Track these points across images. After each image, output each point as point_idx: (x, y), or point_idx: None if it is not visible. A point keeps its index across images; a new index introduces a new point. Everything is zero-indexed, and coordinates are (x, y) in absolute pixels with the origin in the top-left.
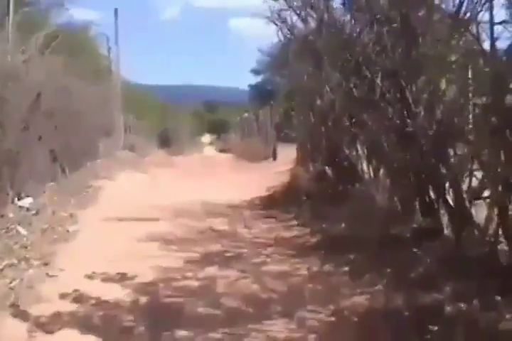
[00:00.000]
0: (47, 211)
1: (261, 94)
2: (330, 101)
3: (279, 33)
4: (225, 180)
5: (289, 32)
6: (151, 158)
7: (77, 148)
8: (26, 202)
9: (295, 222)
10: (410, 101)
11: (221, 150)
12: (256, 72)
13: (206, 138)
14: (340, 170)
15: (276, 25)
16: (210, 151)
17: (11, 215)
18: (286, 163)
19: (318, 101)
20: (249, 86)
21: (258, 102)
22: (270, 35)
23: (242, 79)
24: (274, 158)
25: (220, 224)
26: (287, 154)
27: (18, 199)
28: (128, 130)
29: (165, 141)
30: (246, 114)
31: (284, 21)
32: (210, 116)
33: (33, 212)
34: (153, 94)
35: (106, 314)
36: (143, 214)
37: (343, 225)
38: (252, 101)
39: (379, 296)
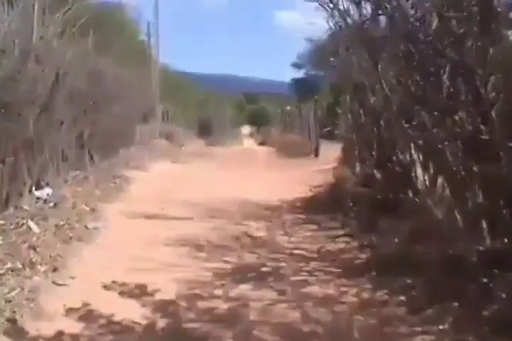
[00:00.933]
0: (67, 204)
1: (304, 88)
2: (385, 99)
3: (329, 20)
4: (264, 176)
5: (340, 19)
6: (188, 147)
7: (109, 134)
8: (45, 192)
9: (340, 232)
10: (486, 104)
11: (261, 143)
12: (297, 65)
13: (246, 129)
14: (391, 175)
15: (327, 10)
16: (249, 144)
17: (25, 207)
18: (328, 162)
19: (371, 98)
20: (293, 79)
21: (301, 96)
22: (315, 29)
23: (284, 72)
24: (316, 155)
25: (258, 229)
26: (329, 152)
27: (36, 189)
28: (166, 118)
29: (204, 131)
30: (288, 108)
31: (335, 6)
32: (251, 108)
33: (51, 204)
34: (194, 82)
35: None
36: (174, 212)
37: (396, 241)
38: (294, 94)
39: (446, 339)
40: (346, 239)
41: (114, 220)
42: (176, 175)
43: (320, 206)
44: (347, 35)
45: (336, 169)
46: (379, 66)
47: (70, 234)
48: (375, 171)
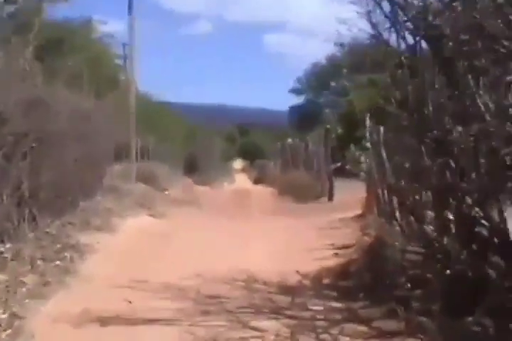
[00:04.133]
0: None
1: (304, 117)
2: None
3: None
4: (269, 232)
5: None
6: (173, 191)
7: (62, 184)
8: None
9: None
10: None
11: (256, 181)
12: (297, 91)
13: (238, 163)
14: (473, 239)
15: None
16: (243, 181)
17: None
18: (347, 207)
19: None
20: (291, 107)
21: (300, 126)
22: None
23: (280, 100)
24: (330, 198)
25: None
26: (344, 193)
27: None
28: (147, 155)
29: (192, 167)
30: (290, 140)
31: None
32: (243, 140)
33: None
34: (181, 114)
35: None
36: (147, 307)
37: None
38: (293, 124)
39: None
40: None
41: (46, 334)
42: (153, 239)
43: (358, 285)
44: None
45: (364, 220)
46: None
47: None
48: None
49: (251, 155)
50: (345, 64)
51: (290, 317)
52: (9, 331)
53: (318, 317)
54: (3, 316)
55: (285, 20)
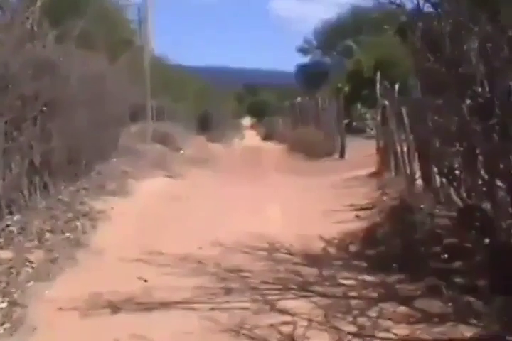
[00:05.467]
0: None
1: (311, 76)
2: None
3: None
4: (286, 193)
5: None
6: (187, 149)
7: (75, 147)
8: None
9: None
10: None
11: (265, 137)
12: (304, 50)
13: (247, 120)
14: None
15: None
16: (252, 138)
17: None
18: (359, 164)
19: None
20: (298, 66)
21: (308, 85)
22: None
23: (287, 61)
24: (342, 156)
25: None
26: (354, 150)
27: None
28: (162, 115)
29: (204, 125)
30: (299, 98)
31: None
32: (251, 99)
33: None
34: (192, 76)
35: None
36: (165, 283)
37: None
38: (300, 83)
39: None
40: None
41: (50, 327)
42: (168, 202)
43: (388, 254)
44: None
45: (379, 178)
46: None
47: None
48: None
49: (259, 113)
50: (350, 25)
51: (320, 294)
52: (7, 324)
53: (351, 294)
54: (2, 305)
55: None
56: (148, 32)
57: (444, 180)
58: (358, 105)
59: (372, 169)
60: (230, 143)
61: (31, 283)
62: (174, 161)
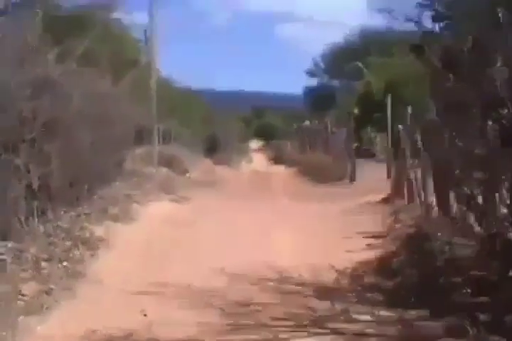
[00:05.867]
0: None
1: (319, 99)
2: None
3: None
4: (295, 219)
5: None
6: (194, 172)
7: (77, 170)
8: None
9: None
10: None
11: (273, 161)
12: (311, 73)
13: (254, 143)
14: None
15: None
16: (260, 161)
17: None
18: (370, 189)
19: None
20: (306, 88)
21: (315, 108)
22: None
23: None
24: (352, 180)
25: None
26: (363, 174)
27: None
28: (168, 138)
29: (211, 148)
30: (307, 122)
31: None
32: (259, 122)
33: None
34: (199, 98)
35: None
36: (161, 328)
37: None
38: (308, 106)
39: None
40: None
41: None
42: (174, 229)
43: (405, 286)
44: None
45: (392, 205)
46: None
47: None
48: None
49: (266, 136)
50: (358, 47)
51: (335, 332)
52: None
53: (367, 331)
54: None
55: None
56: (154, 52)
57: (463, 207)
58: (368, 128)
59: (383, 194)
60: (237, 166)
61: (21, 317)
62: (180, 185)
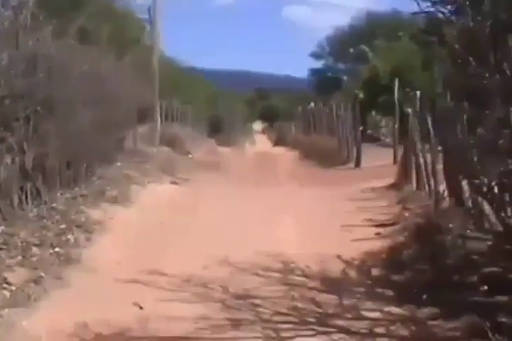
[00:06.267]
0: None
1: (324, 82)
2: None
3: None
4: (300, 204)
5: None
6: (196, 153)
7: (76, 149)
8: None
9: None
10: None
11: (276, 142)
12: (317, 56)
13: (258, 125)
14: None
15: None
16: (263, 142)
17: None
18: (376, 174)
19: None
20: (311, 71)
21: (321, 91)
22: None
23: (295, 66)
24: (358, 164)
25: None
26: (368, 158)
27: None
28: (172, 117)
29: (215, 128)
30: (312, 104)
31: None
32: (263, 103)
33: None
34: (203, 78)
35: None
36: (156, 323)
37: None
38: (312, 88)
39: None
40: None
41: None
42: (174, 212)
43: (417, 281)
44: None
45: (399, 191)
46: None
47: None
48: None
49: (271, 117)
50: (363, 31)
51: (342, 330)
52: None
53: (377, 331)
54: None
55: None
56: (157, 31)
57: (478, 197)
58: (373, 112)
59: (390, 180)
60: (240, 147)
61: (6, 310)
62: (182, 166)
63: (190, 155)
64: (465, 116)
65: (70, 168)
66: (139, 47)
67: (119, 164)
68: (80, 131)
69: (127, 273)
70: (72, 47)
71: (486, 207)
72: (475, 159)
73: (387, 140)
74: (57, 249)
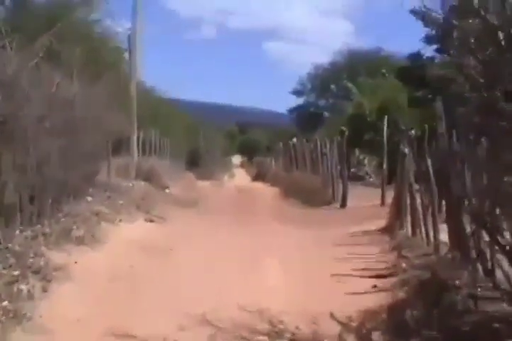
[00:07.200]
0: None
1: (306, 118)
2: None
3: None
4: (285, 249)
5: None
6: (174, 188)
7: (41, 183)
8: None
9: None
10: None
11: (255, 177)
12: (298, 93)
13: (237, 158)
14: None
15: None
16: (242, 176)
17: None
18: (363, 215)
19: None
20: (292, 107)
21: (302, 126)
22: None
23: (275, 101)
24: (344, 205)
25: None
26: (353, 198)
27: None
28: (150, 149)
29: (193, 162)
30: (295, 140)
31: None
32: (242, 137)
33: None
34: (183, 110)
35: None
36: None
37: None
38: (293, 125)
39: None
40: None
41: None
42: (147, 257)
43: None
44: None
45: (393, 236)
46: None
47: None
48: None
49: (250, 151)
50: (345, 68)
51: None
52: None
53: None
54: None
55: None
56: (135, 58)
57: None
58: (357, 150)
59: (381, 222)
60: (219, 181)
61: None
62: (159, 201)
63: (167, 190)
64: (482, 159)
65: (34, 203)
66: (116, 74)
67: (89, 199)
68: (45, 162)
69: (89, 334)
70: (38, 68)
71: (505, 264)
72: (497, 210)
73: (370, 179)
74: (4, 303)
